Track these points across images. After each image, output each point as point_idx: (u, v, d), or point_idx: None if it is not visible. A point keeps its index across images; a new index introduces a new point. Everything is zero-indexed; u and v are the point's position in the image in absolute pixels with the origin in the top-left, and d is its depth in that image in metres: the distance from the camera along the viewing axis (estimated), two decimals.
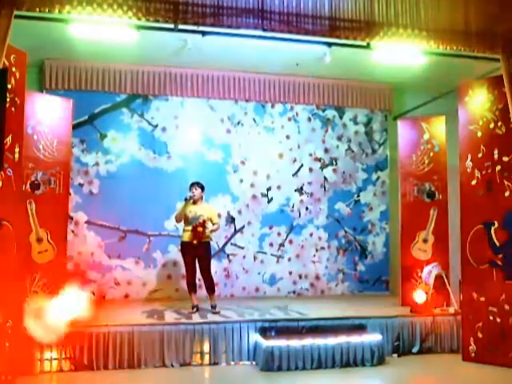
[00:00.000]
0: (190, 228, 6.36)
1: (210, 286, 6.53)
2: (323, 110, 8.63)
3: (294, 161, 8.49)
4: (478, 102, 6.01)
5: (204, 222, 6.34)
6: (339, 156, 8.66)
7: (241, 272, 8.15)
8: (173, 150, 8.05)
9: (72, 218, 7.49)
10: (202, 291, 6.71)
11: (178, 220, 6.54)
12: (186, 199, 6.40)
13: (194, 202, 6.46)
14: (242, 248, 8.20)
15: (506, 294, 5.68)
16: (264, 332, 5.81)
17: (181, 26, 5.19)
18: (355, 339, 5.77)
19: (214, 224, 6.51)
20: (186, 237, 6.41)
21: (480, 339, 5.83)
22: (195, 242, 6.32)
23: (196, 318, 6.12)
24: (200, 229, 6.29)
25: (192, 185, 6.54)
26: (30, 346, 5.24)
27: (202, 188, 6.58)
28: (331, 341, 5.70)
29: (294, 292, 8.34)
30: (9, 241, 4.74)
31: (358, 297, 8.28)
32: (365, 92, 8.57)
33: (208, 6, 4.89)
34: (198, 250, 6.40)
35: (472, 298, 5.90)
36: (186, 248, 6.46)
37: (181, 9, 4.82)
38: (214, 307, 6.47)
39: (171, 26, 5.15)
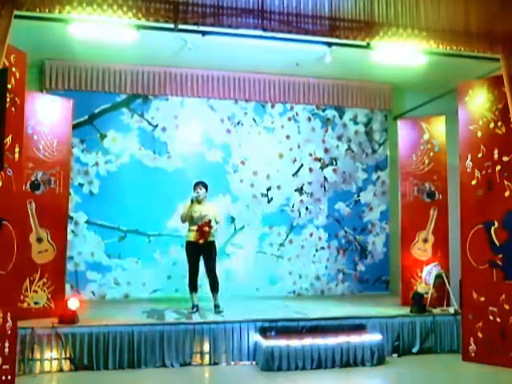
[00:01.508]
0: (195, 228, 6.40)
1: (215, 286, 6.56)
2: (323, 110, 8.63)
3: (294, 161, 8.49)
4: (478, 102, 6.00)
5: (210, 221, 6.38)
6: (339, 156, 8.66)
7: (241, 272, 8.15)
8: (173, 150, 8.05)
9: (72, 218, 7.49)
10: (203, 291, 6.71)
11: (183, 220, 6.57)
12: (192, 200, 6.44)
13: (199, 202, 6.49)
14: (242, 248, 8.20)
15: (506, 294, 5.68)
16: (264, 332, 5.81)
17: (181, 26, 5.19)
18: (355, 339, 5.76)
19: (217, 223, 6.56)
20: (192, 236, 6.44)
21: (480, 339, 5.82)
22: (201, 241, 6.36)
23: (196, 317, 6.11)
24: (206, 228, 6.34)
25: (196, 184, 6.57)
26: None
27: (206, 187, 6.61)
28: (331, 341, 5.70)
29: (293, 292, 8.34)
30: (9, 241, 4.74)
31: (358, 297, 8.27)
32: (365, 92, 8.56)
33: (208, 5, 4.89)
34: (203, 250, 6.44)
35: (472, 298, 5.90)
36: (191, 248, 6.49)
37: (181, 9, 4.82)
38: (217, 306, 6.47)
39: (171, 25, 5.15)
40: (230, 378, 5.41)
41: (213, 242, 6.54)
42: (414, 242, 7.38)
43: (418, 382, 5.40)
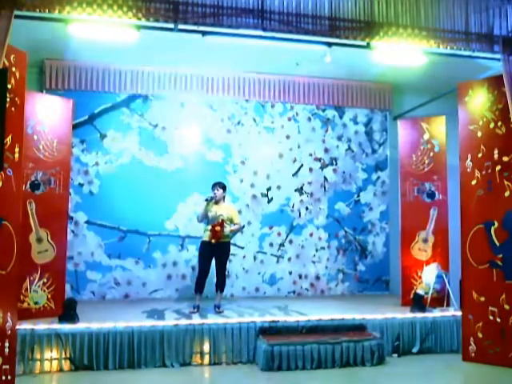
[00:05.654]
0: (209, 227, 6.50)
1: (221, 285, 6.64)
2: (323, 110, 8.63)
3: (294, 161, 8.49)
4: (477, 102, 6.00)
5: (222, 221, 6.43)
6: (339, 156, 8.66)
7: (241, 272, 8.15)
8: (173, 149, 8.05)
9: (72, 218, 7.49)
10: (205, 292, 6.71)
11: (199, 220, 6.66)
12: (206, 200, 6.51)
13: (216, 202, 6.57)
14: (242, 248, 8.20)
15: (506, 294, 5.68)
16: (264, 332, 5.81)
17: (181, 26, 5.19)
18: (355, 339, 5.77)
19: (234, 224, 6.59)
20: (206, 236, 6.54)
21: (480, 339, 5.83)
22: (213, 241, 6.41)
23: (196, 318, 6.12)
24: (218, 228, 6.41)
25: (214, 185, 6.65)
26: None
27: (224, 188, 6.69)
28: (331, 341, 5.70)
29: (294, 292, 8.34)
30: (9, 241, 4.74)
31: (357, 297, 8.28)
32: (365, 92, 8.54)
33: (208, 5, 4.89)
34: (216, 250, 6.51)
35: (472, 298, 5.90)
36: (205, 247, 6.57)
37: (181, 9, 4.83)
38: (218, 307, 6.51)
39: (171, 25, 5.15)
40: (230, 378, 5.42)
41: (227, 243, 6.64)
42: (414, 241, 7.38)
43: (418, 382, 5.39)
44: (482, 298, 5.83)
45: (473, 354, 5.88)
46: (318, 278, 8.44)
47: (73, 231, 7.54)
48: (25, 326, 5.31)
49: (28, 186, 6.04)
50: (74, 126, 7.20)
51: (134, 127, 7.96)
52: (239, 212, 8.12)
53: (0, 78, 4.35)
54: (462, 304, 6.14)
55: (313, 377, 5.42)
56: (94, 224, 7.69)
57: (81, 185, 7.71)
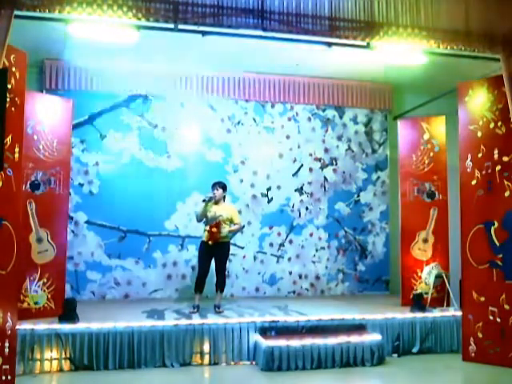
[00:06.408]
0: (207, 228, 6.49)
1: (221, 286, 6.62)
2: (323, 110, 8.63)
3: (294, 161, 8.49)
4: (477, 102, 6.00)
5: (219, 222, 6.42)
6: (339, 156, 8.67)
7: (241, 272, 8.16)
8: (173, 149, 8.05)
9: (72, 218, 7.49)
10: (205, 292, 6.71)
11: (198, 220, 6.65)
12: (204, 200, 6.50)
13: (216, 202, 6.55)
14: (242, 248, 8.20)
15: (506, 294, 5.68)
16: (264, 332, 5.81)
17: (181, 26, 5.19)
18: (355, 339, 5.76)
19: (234, 224, 6.59)
20: (205, 236, 6.54)
21: (480, 339, 5.83)
22: (211, 242, 6.41)
23: (196, 318, 6.12)
24: (214, 229, 6.40)
25: (214, 185, 6.63)
26: None
27: (224, 188, 6.67)
28: (331, 341, 5.70)
29: (293, 292, 8.34)
30: (9, 241, 4.74)
31: (357, 297, 8.28)
32: (365, 92, 8.57)
33: (208, 5, 4.89)
34: (215, 250, 6.50)
35: (472, 298, 5.90)
36: (204, 247, 6.56)
37: (181, 9, 4.82)
38: (218, 307, 6.51)
39: (171, 25, 5.16)
40: (230, 378, 5.42)
41: (225, 244, 6.61)
42: (414, 241, 7.38)
43: (418, 382, 5.40)
44: (482, 298, 5.83)
45: (473, 354, 5.87)
46: (318, 278, 8.45)
47: (73, 231, 7.54)
48: (25, 326, 5.30)
49: (28, 185, 6.03)
50: (74, 126, 7.20)
51: (133, 127, 7.96)
52: (239, 212, 8.11)
53: (0, 77, 4.34)
54: (462, 304, 6.14)
55: (313, 377, 5.42)
56: (94, 224, 7.70)
57: (81, 185, 7.71)
